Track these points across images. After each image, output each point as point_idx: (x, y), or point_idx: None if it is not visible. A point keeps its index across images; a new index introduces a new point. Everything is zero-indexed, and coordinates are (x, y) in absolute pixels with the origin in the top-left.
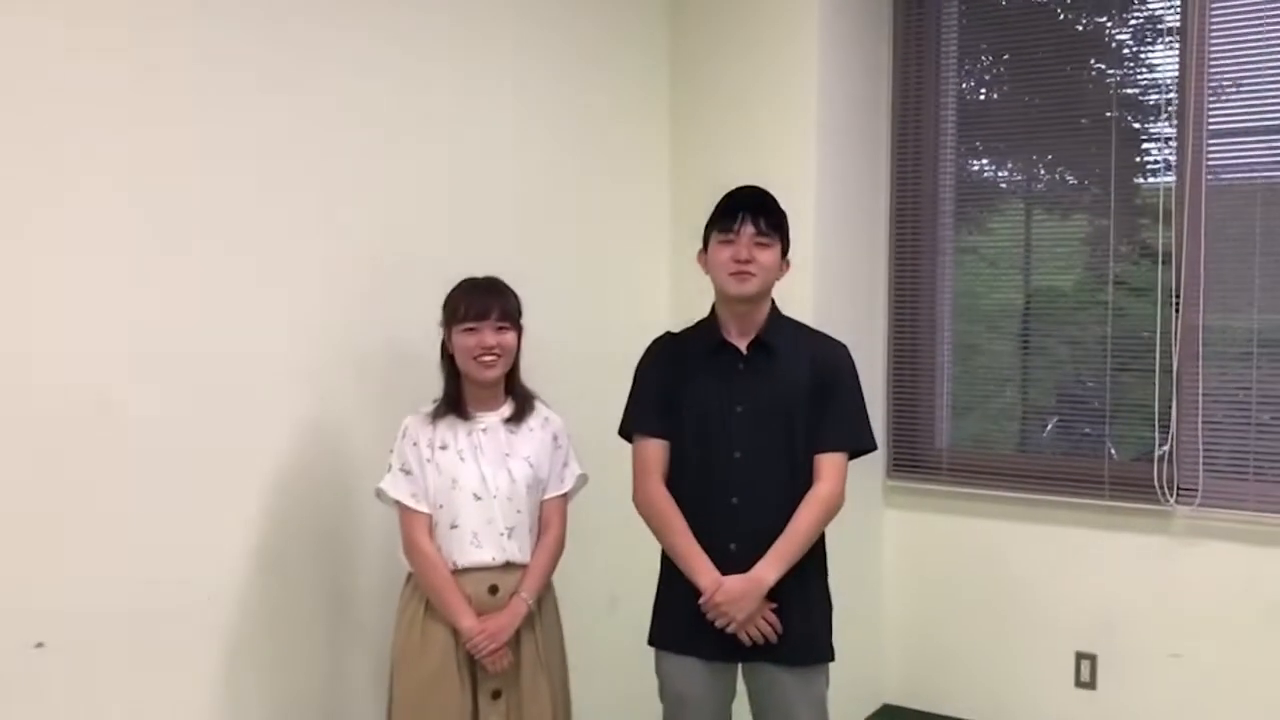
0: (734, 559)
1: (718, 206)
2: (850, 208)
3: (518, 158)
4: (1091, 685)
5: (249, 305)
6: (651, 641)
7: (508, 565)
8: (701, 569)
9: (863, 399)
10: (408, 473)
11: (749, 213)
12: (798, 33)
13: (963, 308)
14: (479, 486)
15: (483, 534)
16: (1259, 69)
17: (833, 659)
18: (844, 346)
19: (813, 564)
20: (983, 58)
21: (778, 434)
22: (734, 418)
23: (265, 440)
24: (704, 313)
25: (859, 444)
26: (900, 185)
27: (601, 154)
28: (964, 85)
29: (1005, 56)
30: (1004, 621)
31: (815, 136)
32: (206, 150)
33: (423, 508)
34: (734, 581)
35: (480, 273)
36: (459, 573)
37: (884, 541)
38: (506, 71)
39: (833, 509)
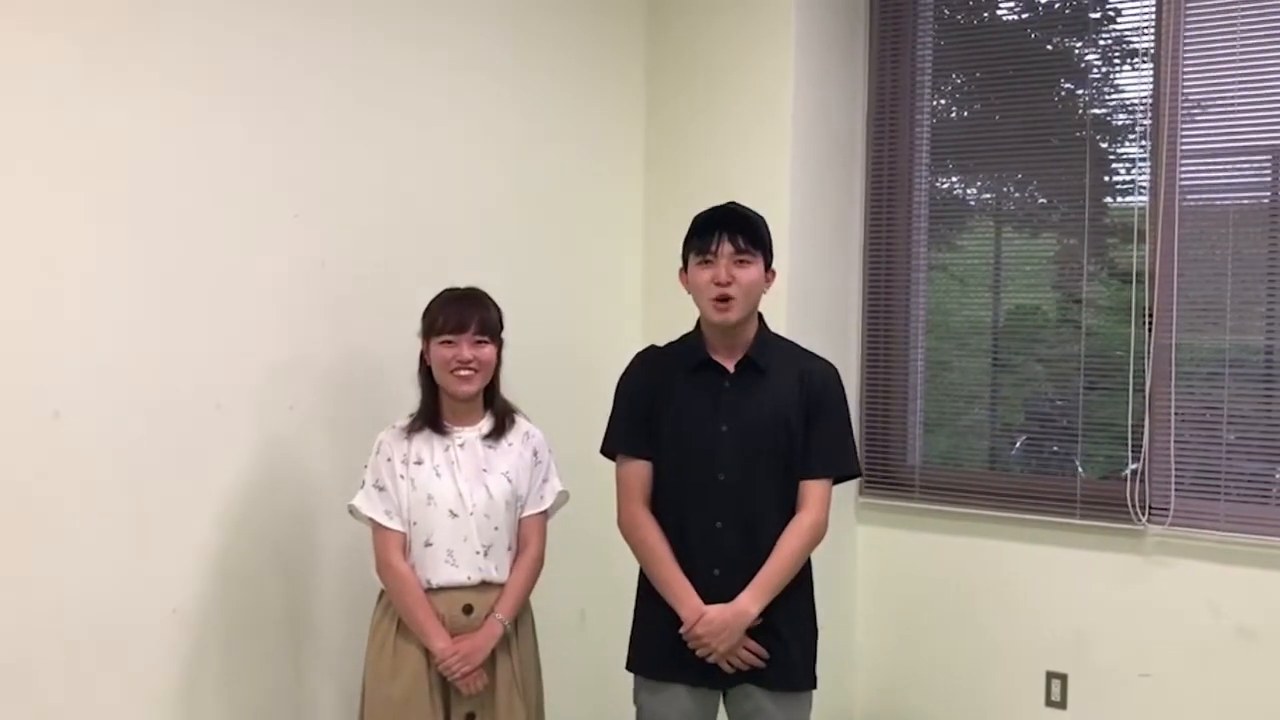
0: (718, 584)
1: (693, 226)
2: (824, 224)
3: (487, 163)
4: (1062, 705)
5: (208, 316)
6: (630, 667)
7: (483, 584)
8: (684, 599)
9: (849, 423)
10: (381, 489)
11: (726, 231)
12: (773, 51)
13: (935, 325)
14: (455, 503)
15: (458, 552)
16: (1231, 91)
17: (816, 687)
18: (833, 367)
19: (801, 590)
20: (956, 77)
21: (764, 456)
22: (719, 439)
23: (225, 455)
24: (678, 322)
25: (844, 470)
26: (874, 203)
27: (575, 164)
28: (937, 104)
29: (978, 76)
30: (975, 640)
31: (790, 153)
32: (162, 156)
33: (396, 525)
34: (716, 612)
35: (448, 282)
36: (432, 592)
37: (856, 559)
38: (476, 76)
39: (818, 537)
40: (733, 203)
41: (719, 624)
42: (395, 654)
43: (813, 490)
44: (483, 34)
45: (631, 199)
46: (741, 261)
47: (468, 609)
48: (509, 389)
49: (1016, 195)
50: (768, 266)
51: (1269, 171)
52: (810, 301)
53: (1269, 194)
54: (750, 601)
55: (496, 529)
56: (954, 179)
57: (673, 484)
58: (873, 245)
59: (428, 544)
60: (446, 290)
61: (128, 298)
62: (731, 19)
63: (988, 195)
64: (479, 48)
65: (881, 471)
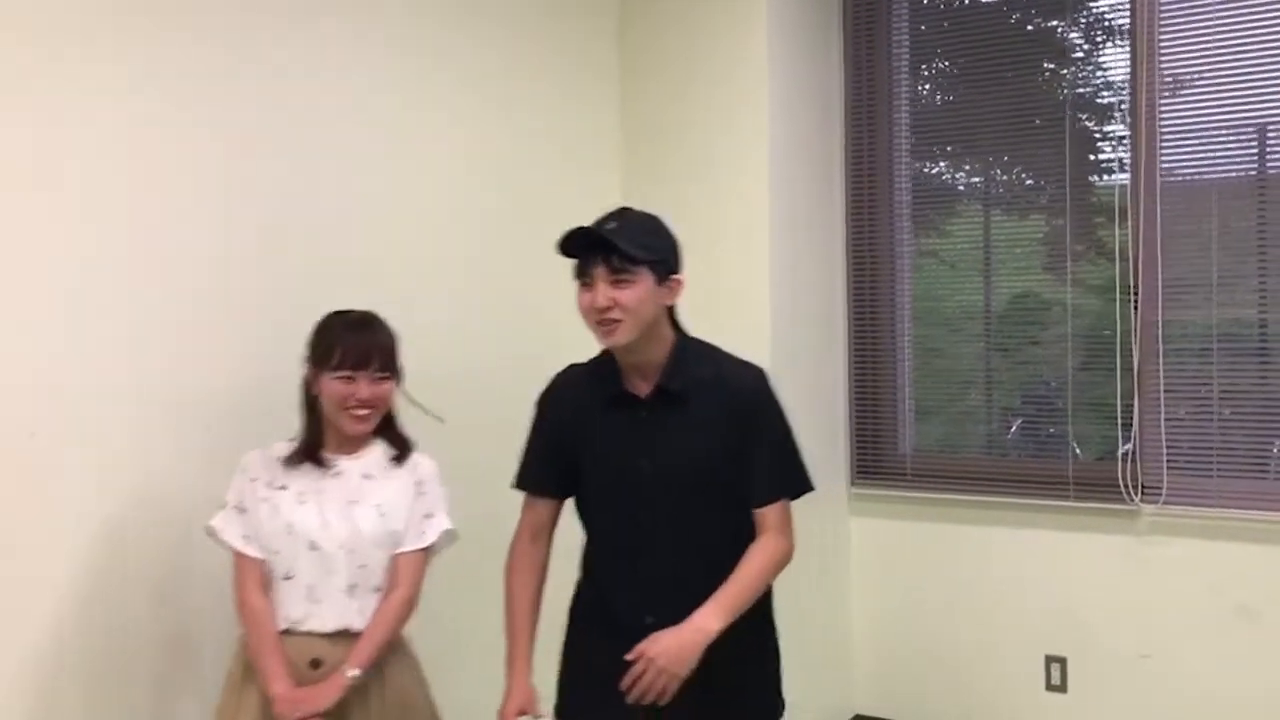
0: (653, 631)
1: (559, 248)
2: (805, 214)
3: (453, 165)
4: (1062, 688)
5: (84, 331)
6: (558, 713)
7: (343, 634)
8: (514, 669)
9: (790, 433)
10: (242, 511)
11: (595, 253)
12: (746, 41)
13: (923, 311)
14: (317, 534)
15: (320, 589)
16: (1209, 68)
17: (783, 710)
18: (761, 374)
19: (761, 617)
20: (936, 61)
21: (691, 490)
22: (639, 476)
23: (92, 483)
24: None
25: (795, 489)
26: (855, 190)
27: (548, 161)
28: (918, 89)
29: (958, 60)
30: (973, 626)
31: (767, 145)
32: (18, 161)
33: (254, 552)
34: (669, 636)
35: (408, 294)
36: (287, 634)
37: (850, 550)
38: (446, 77)
39: (782, 560)
40: (617, 212)
41: (675, 645)
42: (240, 699)
43: (769, 516)
44: (451, 31)
45: (608, 189)
46: (619, 282)
47: (316, 663)
48: (449, 400)
49: (1003, 178)
50: (665, 276)
51: (1252, 147)
52: (794, 291)
53: (1253, 169)
54: (711, 617)
55: (363, 567)
56: (940, 164)
57: (596, 527)
58: (855, 233)
59: (287, 577)
60: (338, 315)
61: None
62: (704, 9)
63: (973, 179)
64: (452, 50)
65: (873, 461)
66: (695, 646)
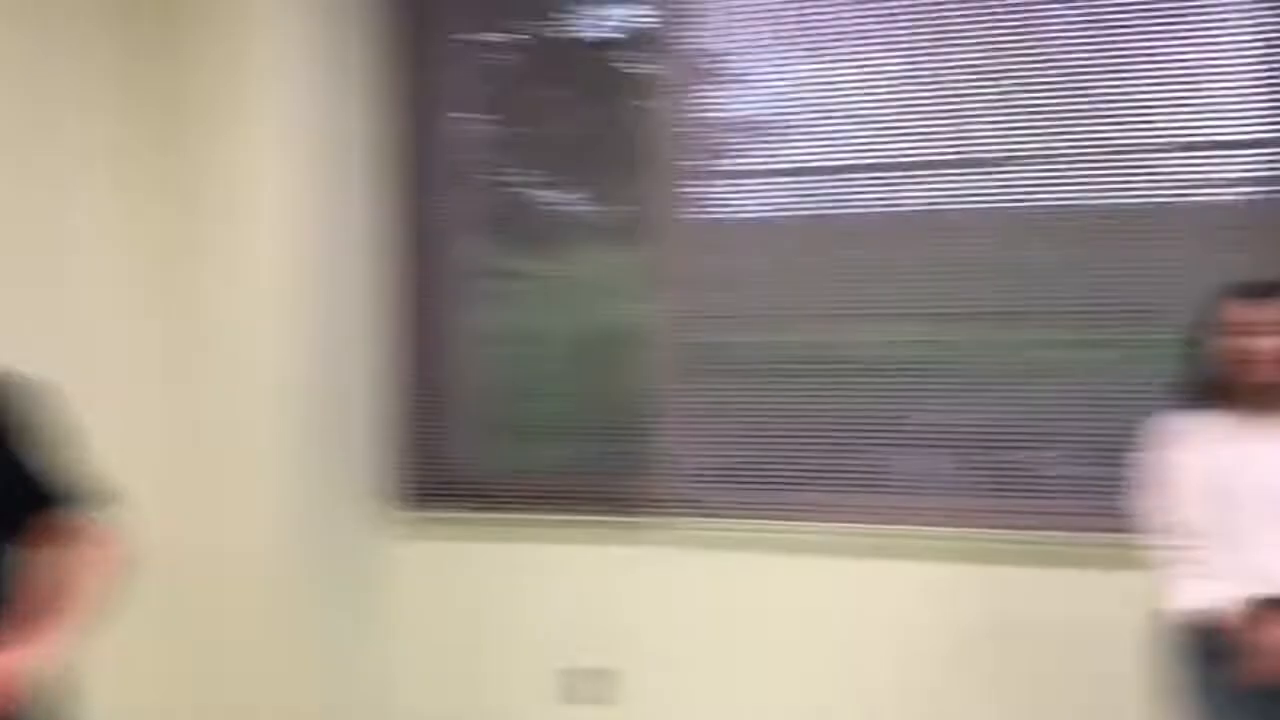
0: None
1: None
2: (339, 235)
3: None
4: (606, 701)
5: None
6: None
7: None
8: None
9: (63, 444)
10: None
11: None
12: (265, 69)
13: (482, 335)
14: None
15: None
16: (756, 114)
17: None
18: (20, 385)
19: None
20: (512, 91)
21: None
22: None
23: None
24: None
25: (85, 497)
26: (409, 212)
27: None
28: (476, 121)
29: (535, 91)
30: (518, 644)
31: (284, 164)
32: None
33: None
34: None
35: None
36: None
37: (397, 575)
38: None
39: (108, 571)
40: None
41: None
42: None
43: (69, 529)
44: None
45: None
46: None
47: None
48: None
49: (570, 209)
50: None
51: (803, 188)
52: (324, 314)
53: (805, 209)
54: (51, 639)
55: None
56: (508, 190)
57: None
58: (406, 255)
59: None
60: None
61: None
62: (214, 32)
63: (553, 207)
64: None
65: (425, 483)
66: (30, 663)
